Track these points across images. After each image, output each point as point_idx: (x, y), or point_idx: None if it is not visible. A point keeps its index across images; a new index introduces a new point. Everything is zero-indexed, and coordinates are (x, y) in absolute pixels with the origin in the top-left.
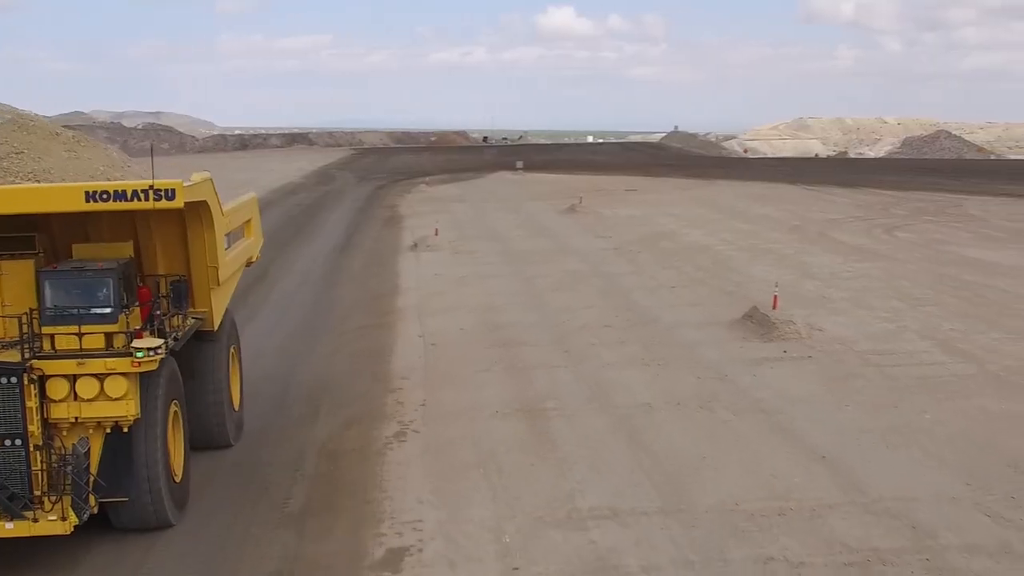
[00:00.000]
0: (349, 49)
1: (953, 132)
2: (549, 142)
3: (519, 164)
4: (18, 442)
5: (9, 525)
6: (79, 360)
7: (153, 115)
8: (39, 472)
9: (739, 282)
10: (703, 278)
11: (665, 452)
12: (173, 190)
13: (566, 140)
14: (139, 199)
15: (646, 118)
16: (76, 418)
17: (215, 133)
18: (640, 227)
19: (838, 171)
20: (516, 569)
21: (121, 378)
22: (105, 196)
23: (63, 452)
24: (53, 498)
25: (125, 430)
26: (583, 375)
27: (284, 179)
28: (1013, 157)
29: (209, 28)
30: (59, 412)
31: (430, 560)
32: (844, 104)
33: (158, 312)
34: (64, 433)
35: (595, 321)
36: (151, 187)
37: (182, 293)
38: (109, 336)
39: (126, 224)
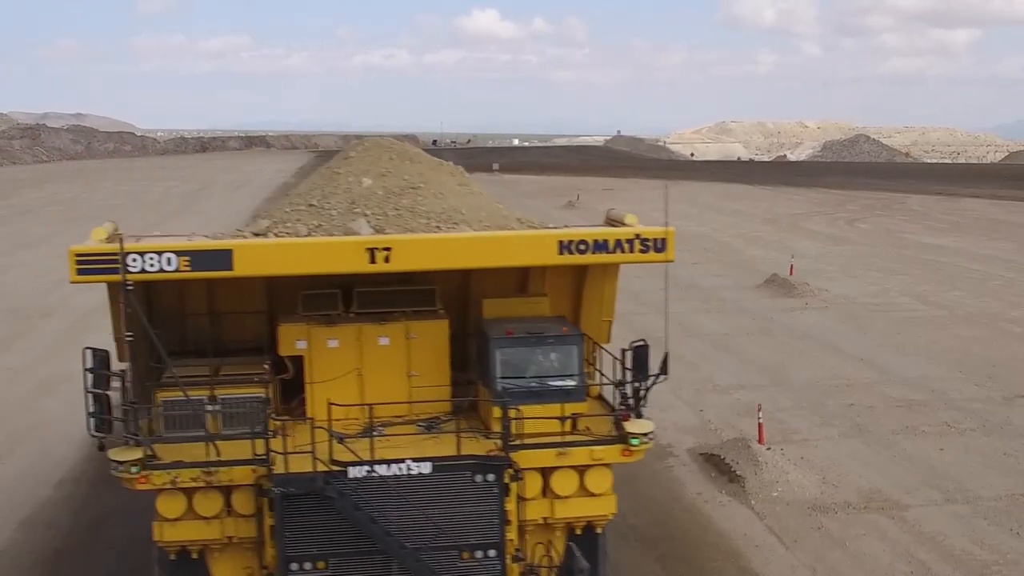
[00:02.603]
0: (269, 51)
1: (872, 136)
2: (496, 145)
3: (495, 166)
4: (492, 553)
5: None
6: (560, 450)
7: (75, 117)
8: None
9: (744, 260)
10: (714, 257)
11: (755, 359)
12: (663, 240)
13: (490, 143)
14: (622, 250)
15: (569, 121)
16: (545, 519)
17: (175, 136)
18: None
19: (782, 173)
20: (701, 410)
21: (606, 470)
22: (583, 247)
23: (543, 563)
24: None
25: (598, 530)
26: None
27: (281, 180)
28: (930, 160)
29: (128, 29)
30: (530, 513)
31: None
32: (765, 108)
33: (634, 385)
34: (525, 538)
35: (647, 287)
36: (637, 237)
37: (644, 360)
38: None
39: (516, 272)
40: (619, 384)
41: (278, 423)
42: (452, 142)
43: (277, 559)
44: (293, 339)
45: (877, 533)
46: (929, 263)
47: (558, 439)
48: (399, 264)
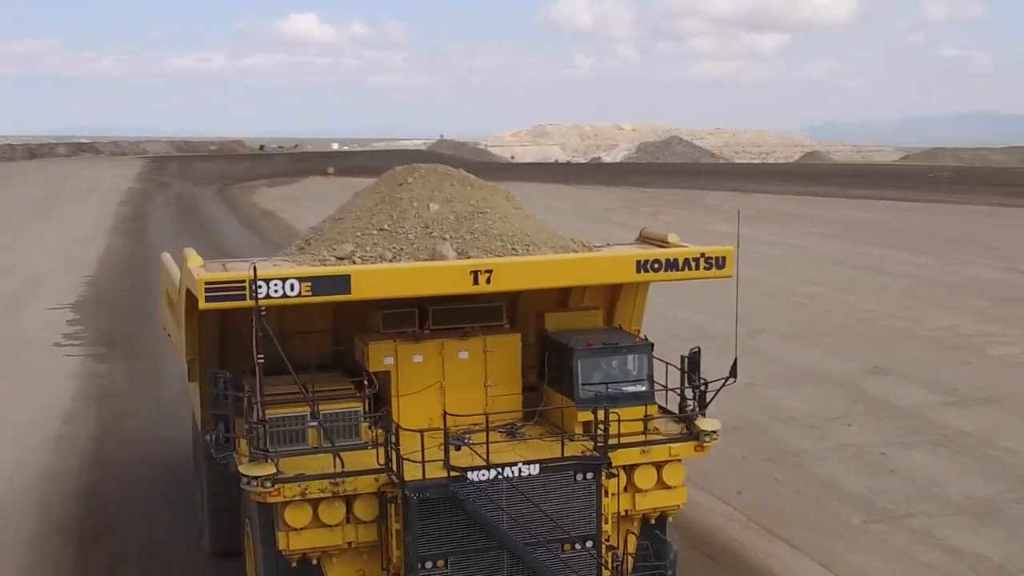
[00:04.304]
0: (80, 53)
1: (685, 138)
2: (319, 150)
3: (330, 170)
4: (589, 544)
5: None
6: (643, 448)
7: None
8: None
9: None
10: None
11: None
12: (724, 258)
13: (310, 148)
14: (690, 268)
15: (390, 125)
16: (627, 511)
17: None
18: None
19: (597, 173)
20: None
21: (679, 465)
22: (656, 266)
23: (629, 551)
24: None
25: (670, 519)
26: None
27: (124, 184)
28: (740, 161)
29: None
30: (614, 506)
31: None
32: (582, 111)
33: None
34: (607, 528)
35: None
36: (702, 255)
37: (697, 364)
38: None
39: (559, 289)
40: (694, 387)
41: (372, 434)
42: (280, 147)
43: (406, 559)
44: (382, 356)
45: None
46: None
47: (640, 439)
48: (499, 285)
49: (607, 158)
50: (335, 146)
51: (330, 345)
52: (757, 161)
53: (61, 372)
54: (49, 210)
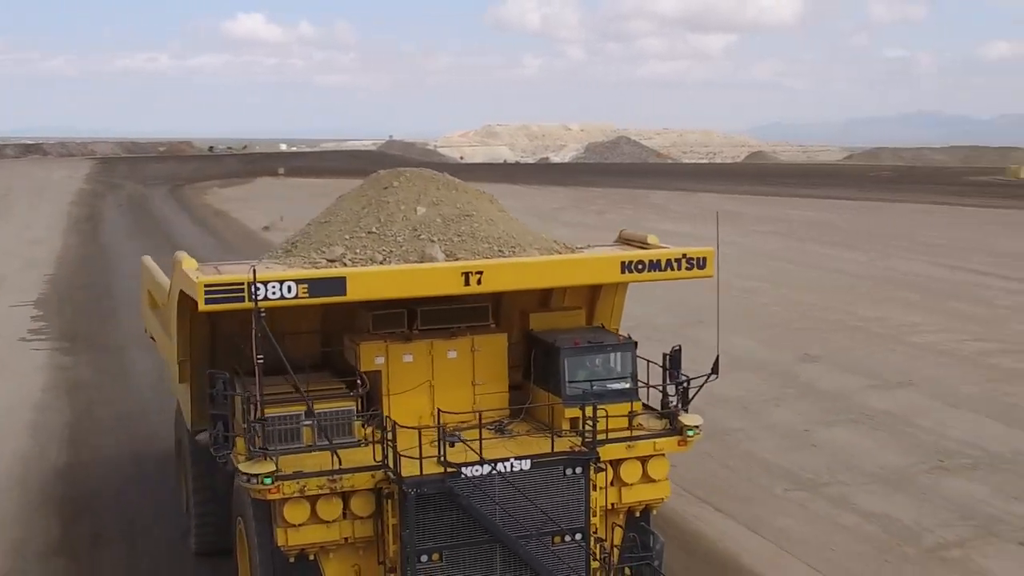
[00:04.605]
0: (27, 53)
1: (633, 138)
2: (267, 151)
3: (281, 170)
4: (579, 536)
5: None
6: (628, 444)
7: None
8: (596, 567)
9: None
10: None
11: None
12: (704, 259)
13: (258, 149)
14: (672, 268)
15: (338, 126)
16: (613, 505)
17: None
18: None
19: (546, 173)
20: None
21: (663, 459)
22: (640, 266)
23: (628, 543)
24: None
25: (654, 512)
26: None
27: (75, 185)
28: (687, 161)
29: None
30: (601, 499)
31: None
32: (530, 111)
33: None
34: (595, 520)
35: None
36: (684, 256)
37: (678, 362)
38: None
39: (541, 290)
40: (676, 384)
41: (366, 431)
42: (229, 148)
43: (402, 553)
44: (373, 356)
45: None
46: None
47: (626, 434)
48: (489, 286)
49: (556, 158)
50: (283, 147)
51: (319, 346)
52: (704, 161)
53: (29, 365)
54: (6, 208)
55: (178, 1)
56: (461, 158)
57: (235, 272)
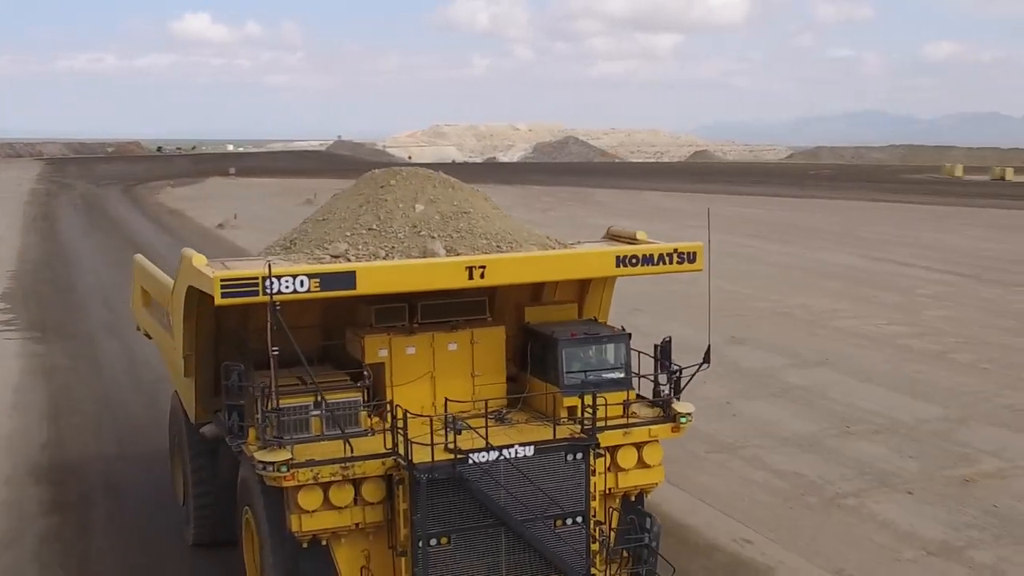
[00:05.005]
0: None
1: (581, 138)
2: (216, 151)
3: (232, 170)
4: (579, 520)
5: None
6: (624, 430)
7: None
8: (597, 548)
9: None
10: None
11: None
12: (694, 253)
13: (207, 149)
14: (664, 263)
15: (285, 126)
16: (610, 489)
17: None
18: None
19: (494, 173)
20: None
21: (657, 445)
22: (634, 261)
23: (623, 526)
24: (612, 573)
25: (647, 496)
26: None
27: (27, 186)
28: (634, 160)
29: None
30: (600, 484)
31: None
32: (478, 111)
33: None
34: (594, 504)
35: None
36: (675, 251)
37: (669, 352)
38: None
39: (532, 284)
40: (668, 373)
41: (372, 421)
42: (178, 149)
43: (412, 536)
44: (377, 348)
45: None
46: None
47: (621, 422)
48: (492, 279)
49: (504, 158)
50: (231, 147)
51: (319, 340)
52: (651, 160)
53: (5, 352)
54: None
55: (122, 1)
56: (409, 158)
57: (239, 268)
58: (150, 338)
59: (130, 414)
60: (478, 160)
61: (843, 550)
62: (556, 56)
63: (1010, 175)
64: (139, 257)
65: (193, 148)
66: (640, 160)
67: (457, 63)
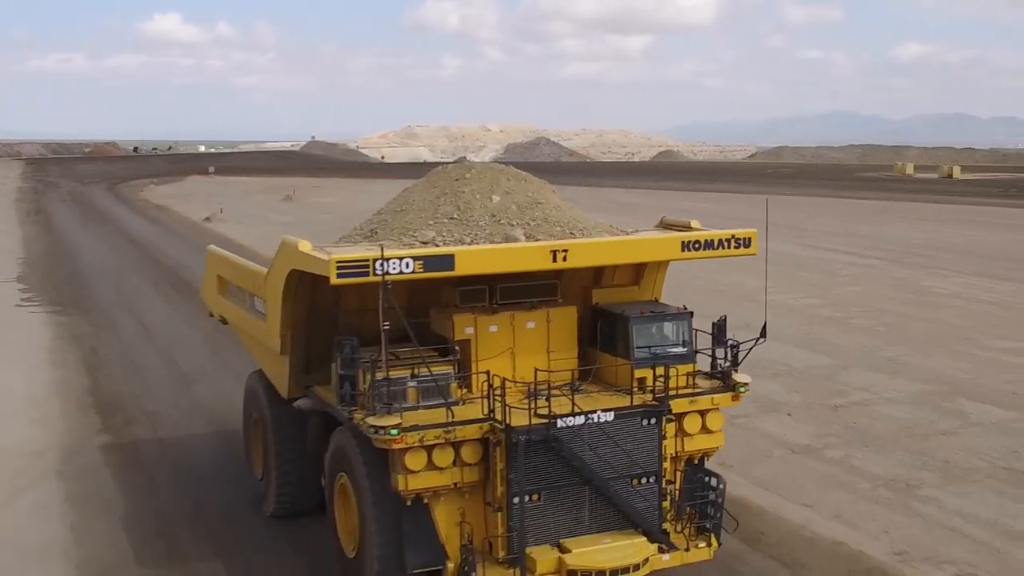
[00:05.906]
0: None
1: (552, 139)
2: (189, 152)
3: (211, 169)
4: (652, 479)
5: (665, 557)
6: (691, 399)
7: None
8: (668, 505)
9: None
10: None
11: None
12: (750, 239)
13: (182, 149)
14: (723, 247)
15: (258, 127)
16: (677, 453)
17: None
18: (350, 207)
19: None
20: None
21: (719, 412)
22: (697, 245)
23: (689, 485)
24: (680, 527)
25: (708, 460)
26: None
27: (13, 184)
28: (604, 160)
29: None
30: (670, 447)
31: None
32: (450, 112)
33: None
34: (665, 465)
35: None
36: (732, 237)
37: (724, 329)
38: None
39: (594, 268)
40: (726, 347)
41: (462, 392)
42: (154, 149)
43: (508, 493)
44: (464, 326)
45: None
46: None
47: (686, 391)
48: (573, 262)
49: (475, 159)
50: (202, 148)
51: (401, 320)
52: (624, 160)
53: (33, 322)
54: None
55: (91, 2)
56: (382, 158)
57: (355, 251)
58: (225, 323)
59: (152, 365)
60: (449, 160)
61: (729, 451)
62: (527, 57)
63: (957, 173)
64: (213, 247)
65: (169, 148)
66: (609, 160)
67: (429, 64)
